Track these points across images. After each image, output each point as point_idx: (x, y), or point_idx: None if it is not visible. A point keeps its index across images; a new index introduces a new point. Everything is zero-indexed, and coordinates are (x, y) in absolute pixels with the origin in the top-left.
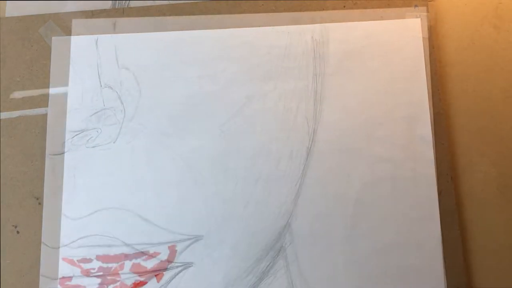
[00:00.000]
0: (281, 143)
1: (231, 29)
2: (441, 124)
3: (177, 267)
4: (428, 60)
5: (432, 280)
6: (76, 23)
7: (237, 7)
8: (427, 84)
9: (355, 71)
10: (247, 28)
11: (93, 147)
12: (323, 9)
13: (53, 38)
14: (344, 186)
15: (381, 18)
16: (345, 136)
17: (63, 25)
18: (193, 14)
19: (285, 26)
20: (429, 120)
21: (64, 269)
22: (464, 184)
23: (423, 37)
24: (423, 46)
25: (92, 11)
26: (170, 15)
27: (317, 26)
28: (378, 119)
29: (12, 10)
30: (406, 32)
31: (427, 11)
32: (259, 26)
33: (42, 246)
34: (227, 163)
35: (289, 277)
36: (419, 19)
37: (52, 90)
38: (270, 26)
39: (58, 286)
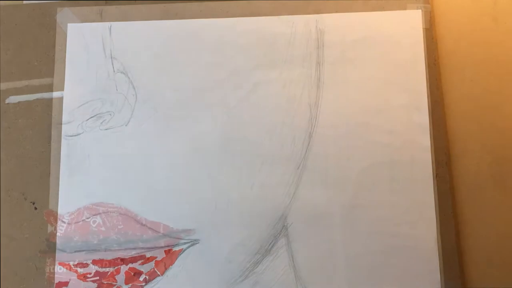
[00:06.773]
0: (285, 128)
1: (238, 18)
2: (438, 112)
3: (185, 243)
4: (428, 50)
5: (426, 249)
6: (71, 26)
7: None
8: (426, 73)
9: (357, 60)
10: (253, 17)
11: (106, 129)
12: None
13: (68, 24)
14: (343, 169)
15: (383, 9)
16: (345, 122)
17: (78, 12)
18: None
19: (290, 16)
20: (427, 108)
21: (60, 274)
22: (459, 170)
23: (423, 28)
24: (423, 36)
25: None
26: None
27: (321, 16)
28: (377, 106)
29: None
30: (407, 23)
31: (428, 3)
32: (265, 15)
33: (59, 222)
34: (233, 147)
35: (290, 254)
36: (420, 10)
37: (68, 74)
38: (275, 15)
39: None
